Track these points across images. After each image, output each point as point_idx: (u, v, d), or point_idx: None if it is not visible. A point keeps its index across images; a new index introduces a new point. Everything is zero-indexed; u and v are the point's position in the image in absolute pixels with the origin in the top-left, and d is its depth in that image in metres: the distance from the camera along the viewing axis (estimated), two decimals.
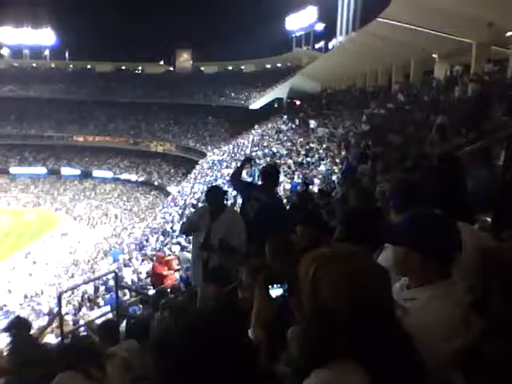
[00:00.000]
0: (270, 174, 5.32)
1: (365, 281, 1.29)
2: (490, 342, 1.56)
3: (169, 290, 8.25)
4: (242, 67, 59.11)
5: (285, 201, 16.33)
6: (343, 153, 17.25)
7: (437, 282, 1.62)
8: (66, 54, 63.00)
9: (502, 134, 6.17)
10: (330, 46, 45.77)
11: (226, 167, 31.59)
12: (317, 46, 50.79)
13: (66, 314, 13.14)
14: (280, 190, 18.81)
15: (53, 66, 61.66)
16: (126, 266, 19.73)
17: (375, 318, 1.26)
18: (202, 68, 61.61)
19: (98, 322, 7.85)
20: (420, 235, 1.61)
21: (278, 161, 24.73)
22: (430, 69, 21.48)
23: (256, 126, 41.02)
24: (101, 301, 15.23)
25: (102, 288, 16.50)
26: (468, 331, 1.55)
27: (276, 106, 46.35)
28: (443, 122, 9.00)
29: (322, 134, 25.06)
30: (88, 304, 15.57)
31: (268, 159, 26.08)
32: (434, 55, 20.52)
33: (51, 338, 11.40)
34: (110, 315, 7.68)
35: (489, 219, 3.33)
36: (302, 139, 27.32)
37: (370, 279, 1.30)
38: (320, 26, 50.20)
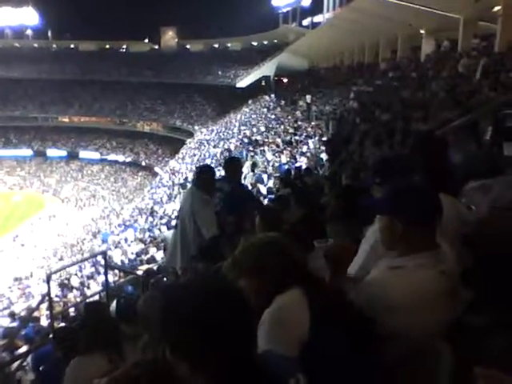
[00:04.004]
0: (231, 165, 5.30)
1: None
2: (476, 314, 1.58)
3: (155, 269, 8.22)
4: (228, 45, 58.37)
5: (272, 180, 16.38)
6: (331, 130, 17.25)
7: (424, 252, 1.64)
8: (49, 34, 61.65)
9: (489, 108, 6.17)
10: (317, 21, 45.07)
11: (214, 147, 31.41)
12: (304, 22, 50.03)
13: (56, 295, 13.14)
14: (269, 169, 18.83)
15: (36, 45, 60.26)
16: (116, 247, 19.74)
17: None
18: (188, 46, 60.76)
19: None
20: (401, 203, 1.68)
21: (267, 139, 24.66)
22: (417, 44, 21.37)
23: (245, 104, 40.67)
24: (91, 282, 15.25)
25: (92, 269, 16.51)
26: (456, 303, 1.56)
27: (263, 84, 45.95)
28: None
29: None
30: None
31: (256, 137, 26.01)
32: (421, 31, 20.41)
33: (42, 320, 11.43)
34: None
35: None
36: (290, 117, 27.22)
37: None
38: (307, 2, 49.23)
